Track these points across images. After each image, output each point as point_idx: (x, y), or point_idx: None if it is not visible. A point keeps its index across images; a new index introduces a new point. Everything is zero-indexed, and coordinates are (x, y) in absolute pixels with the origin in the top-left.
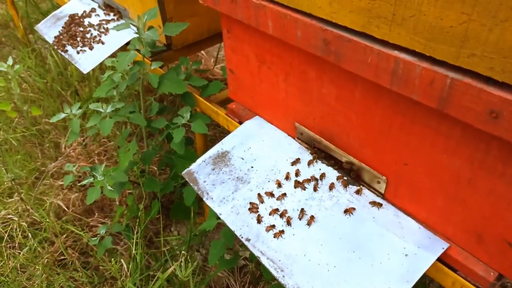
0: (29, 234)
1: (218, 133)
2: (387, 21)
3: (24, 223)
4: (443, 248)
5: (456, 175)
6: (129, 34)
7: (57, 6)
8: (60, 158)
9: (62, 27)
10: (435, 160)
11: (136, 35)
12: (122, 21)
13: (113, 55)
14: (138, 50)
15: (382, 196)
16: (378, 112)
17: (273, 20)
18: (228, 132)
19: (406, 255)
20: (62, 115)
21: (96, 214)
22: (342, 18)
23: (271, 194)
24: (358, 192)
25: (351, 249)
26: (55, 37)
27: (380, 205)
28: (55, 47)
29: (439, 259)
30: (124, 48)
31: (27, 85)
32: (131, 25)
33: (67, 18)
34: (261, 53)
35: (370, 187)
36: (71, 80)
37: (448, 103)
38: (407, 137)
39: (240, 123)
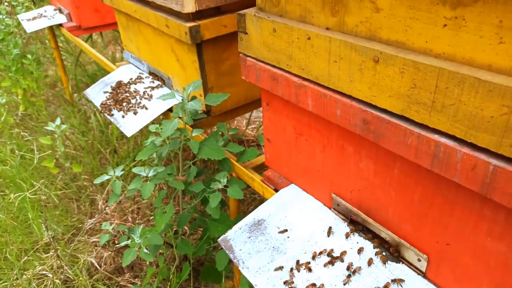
0: None
1: (248, 193)
2: (427, 107)
3: (57, 280)
4: None
5: (502, 261)
6: (171, 101)
7: (103, 69)
8: (96, 216)
9: (109, 92)
10: (479, 243)
11: (179, 102)
12: (165, 88)
13: (153, 121)
14: (179, 117)
15: (424, 274)
16: (418, 190)
17: (313, 99)
18: (261, 197)
19: None
20: (106, 177)
21: (127, 273)
22: (381, 102)
23: (308, 267)
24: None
25: None
26: (102, 102)
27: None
28: (102, 112)
29: None
30: (165, 113)
31: (69, 142)
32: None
33: (114, 84)
34: (299, 126)
35: (411, 265)
36: (111, 139)
37: (492, 189)
38: (449, 218)
39: (276, 190)
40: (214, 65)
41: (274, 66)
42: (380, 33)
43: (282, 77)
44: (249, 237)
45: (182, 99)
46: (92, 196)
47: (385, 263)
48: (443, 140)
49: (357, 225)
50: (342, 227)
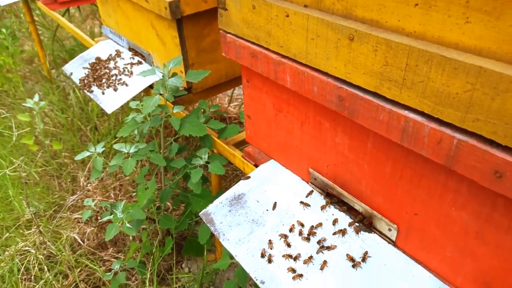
0: (45, 267)
1: (230, 170)
2: (398, 84)
3: (41, 256)
4: None
5: (464, 228)
6: (151, 77)
7: (81, 44)
8: (78, 192)
9: (88, 68)
10: (444, 212)
11: (159, 79)
12: (146, 65)
13: (134, 97)
14: (160, 94)
15: (394, 243)
16: (389, 163)
17: (291, 76)
18: (242, 173)
19: None
20: (87, 154)
21: (110, 248)
22: (356, 79)
23: (285, 238)
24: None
25: None
26: (81, 78)
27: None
28: (81, 88)
29: None
30: (146, 90)
31: (48, 119)
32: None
33: (93, 60)
34: (278, 102)
35: (382, 234)
36: (91, 116)
37: (455, 161)
38: (417, 189)
39: (256, 166)
40: (195, 41)
41: (253, 43)
42: (356, 11)
43: (261, 54)
44: (230, 211)
45: (162, 76)
46: (73, 173)
47: (358, 233)
48: (412, 115)
49: (332, 198)
50: (319, 199)
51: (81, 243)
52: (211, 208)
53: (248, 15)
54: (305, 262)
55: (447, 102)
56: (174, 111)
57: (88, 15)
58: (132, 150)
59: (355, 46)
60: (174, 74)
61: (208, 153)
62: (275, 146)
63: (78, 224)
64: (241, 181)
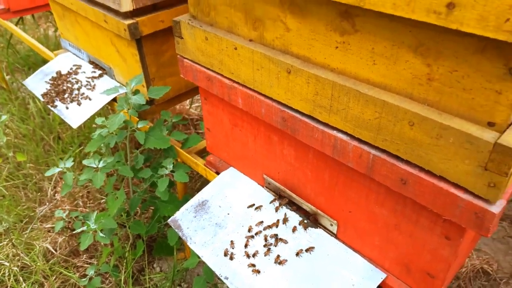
0: (20, 278)
1: (195, 171)
2: (327, 110)
3: (15, 268)
4: (381, 278)
5: (386, 222)
6: (114, 91)
7: (33, 51)
8: (46, 202)
9: (50, 83)
10: (370, 210)
11: (122, 95)
12: (107, 78)
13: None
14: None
15: (335, 236)
16: (327, 171)
17: (242, 99)
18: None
19: (353, 285)
20: (57, 169)
21: (84, 255)
22: (295, 104)
23: (244, 237)
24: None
25: (311, 284)
26: (44, 93)
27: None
28: (45, 103)
29: (379, 287)
30: (109, 102)
31: (10, 131)
32: (115, 81)
33: (54, 74)
34: (233, 118)
35: (326, 229)
36: (53, 125)
37: (373, 171)
38: (349, 192)
39: (217, 173)
40: (154, 57)
41: (208, 69)
42: (291, 48)
43: (216, 79)
44: (195, 216)
45: (126, 94)
46: (39, 184)
47: (306, 229)
48: (339, 135)
49: (284, 200)
50: (274, 202)
51: (54, 252)
52: (178, 215)
53: (202, 45)
54: (265, 254)
55: (363, 126)
56: (139, 126)
57: (40, 17)
58: (101, 165)
59: (292, 78)
60: (137, 91)
61: (173, 162)
62: (233, 155)
63: (49, 233)
64: (204, 188)
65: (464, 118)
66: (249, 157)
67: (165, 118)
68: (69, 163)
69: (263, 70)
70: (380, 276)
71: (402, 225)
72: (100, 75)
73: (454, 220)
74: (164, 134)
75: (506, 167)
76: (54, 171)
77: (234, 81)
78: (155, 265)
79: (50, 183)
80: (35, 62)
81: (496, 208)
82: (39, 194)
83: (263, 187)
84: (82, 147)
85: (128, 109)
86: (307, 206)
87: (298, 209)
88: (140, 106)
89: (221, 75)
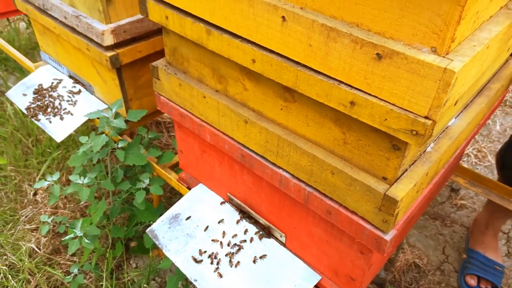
0: (9, 276)
1: None
2: (274, 154)
3: (4, 267)
4: (317, 280)
5: (320, 238)
6: (95, 106)
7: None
8: (30, 206)
9: (32, 97)
10: (309, 228)
11: (104, 117)
12: (87, 93)
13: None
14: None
15: (284, 245)
16: (277, 195)
17: (210, 135)
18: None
19: (295, 285)
20: (45, 183)
21: (67, 255)
22: (251, 146)
23: (210, 246)
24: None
25: (264, 284)
26: (27, 107)
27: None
28: (29, 117)
29: (316, 286)
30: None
31: None
32: (95, 97)
33: (36, 87)
34: (202, 146)
35: (277, 240)
36: (31, 127)
37: (308, 203)
38: (293, 213)
39: (189, 188)
40: (132, 81)
41: (181, 107)
42: (249, 103)
43: (188, 116)
44: (169, 227)
45: (107, 118)
46: (18, 184)
47: (261, 239)
48: (284, 174)
49: (245, 214)
50: (235, 215)
51: (38, 251)
52: (155, 226)
53: (176, 89)
54: (228, 260)
55: (301, 169)
56: (119, 146)
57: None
58: (86, 181)
59: (248, 127)
60: (117, 115)
61: (149, 176)
62: (202, 174)
63: (33, 233)
64: (177, 202)
65: (367, 173)
66: (216, 178)
67: (141, 133)
68: (56, 176)
69: (226, 117)
70: (316, 278)
71: (331, 241)
72: (81, 91)
73: (363, 243)
74: (141, 151)
75: (392, 210)
76: (42, 184)
77: (203, 121)
78: (131, 262)
79: (30, 184)
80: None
81: (389, 236)
82: (19, 195)
83: (227, 202)
84: (60, 151)
85: (110, 130)
86: (262, 221)
87: (255, 222)
88: (120, 129)
89: (192, 114)
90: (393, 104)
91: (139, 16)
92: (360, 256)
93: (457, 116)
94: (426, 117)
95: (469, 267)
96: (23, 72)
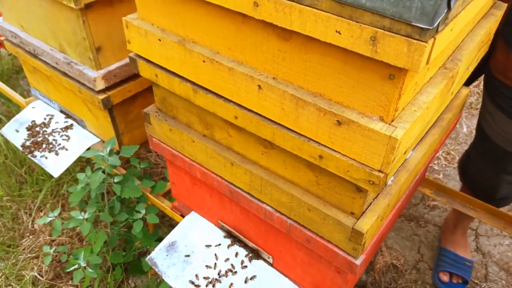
0: None
1: None
2: (258, 191)
3: None
4: None
5: (303, 260)
6: (88, 140)
7: None
8: (29, 235)
9: (27, 133)
10: (293, 251)
11: (99, 155)
12: (79, 128)
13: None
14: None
15: (272, 265)
16: (263, 224)
17: (200, 173)
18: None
19: None
20: (48, 219)
21: (69, 281)
22: (238, 184)
23: (205, 270)
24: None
25: None
26: (22, 144)
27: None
28: (25, 153)
29: None
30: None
31: None
32: (87, 131)
33: (29, 123)
34: (193, 180)
35: (266, 261)
36: (24, 156)
37: (290, 232)
38: (279, 239)
39: (182, 215)
40: (123, 117)
41: (172, 148)
42: (234, 147)
43: (179, 156)
44: (167, 255)
45: (103, 156)
46: (15, 214)
47: (251, 261)
48: (268, 208)
49: (235, 239)
50: (226, 240)
51: (40, 278)
52: (153, 254)
53: (167, 132)
54: (222, 282)
55: (282, 205)
56: (115, 180)
57: None
58: (86, 216)
59: (234, 168)
60: (111, 152)
61: (145, 206)
62: (194, 203)
63: (34, 262)
64: (173, 231)
65: (338, 209)
66: (207, 207)
67: (134, 164)
68: (57, 212)
69: (214, 159)
70: None
71: (312, 263)
72: (73, 125)
73: (338, 266)
74: (136, 183)
75: (360, 240)
76: (45, 220)
77: (193, 161)
78: (130, 281)
79: (26, 212)
80: None
81: (359, 261)
82: (16, 223)
83: (218, 228)
84: (53, 179)
85: (106, 167)
86: (251, 244)
87: (245, 245)
88: (115, 166)
89: (183, 154)
90: (353, 159)
91: (127, 60)
92: (337, 275)
93: (414, 148)
94: (379, 171)
95: (441, 265)
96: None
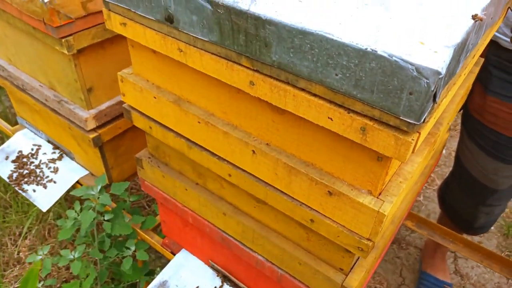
0: None
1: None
2: (250, 241)
3: None
4: None
5: None
6: (77, 173)
7: None
8: (16, 265)
9: (14, 166)
10: None
11: (90, 194)
12: (68, 159)
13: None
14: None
15: None
16: (253, 270)
17: (192, 219)
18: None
19: None
20: (38, 257)
21: None
22: (230, 232)
23: None
24: None
25: None
26: (9, 176)
27: None
28: (13, 185)
29: None
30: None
31: None
32: (76, 162)
33: (16, 153)
34: (184, 222)
35: None
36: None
37: (281, 281)
38: (270, 284)
39: (173, 253)
40: (113, 152)
41: (165, 193)
42: (227, 198)
43: (171, 202)
44: None
45: (93, 195)
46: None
47: None
48: (259, 257)
49: (226, 278)
50: (217, 280)
51: None
52: None
53: (160, 178)
54: None
55: (273, 256)
56: (106, 218)
57: None
58: (77, 255)
59: (227, 218)
60: (102, 191)
61: (134, 241)
62: (185, 242)
63: None
64: (164, 270)
65: (328, 264)
66: (198, 246)
67: (123, 197)
68: (46, 249)
69: (207, 208)
70: None
71: None
72: (61, 157)
73: None
74: (126, 220)
75: None
76: (35, 258)
77: (185, 206)
78: None
79: (11, 239)
80: None
81: None
82: (1, 252)
83: (209, 267)
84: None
85: (96, 204)
86: (242, 286)
87: (234, 285)
88: (105, 205)
89: (175, 200)
90: (343, 226)
91: (118, 98)
92: None
93: None
94: (368, 239)
95: None
96: None
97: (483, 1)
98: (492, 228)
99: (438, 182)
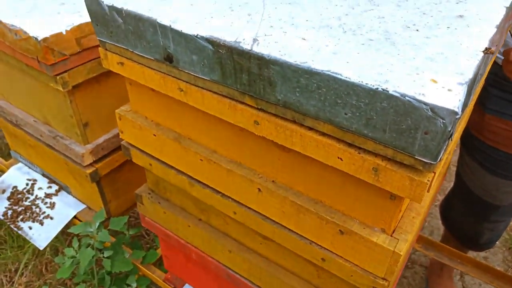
0: None
1: None
2: (258, 279)
3: None
4: None
5: None
6: (74, 208)
7: None
8: None
9: (8, 203)
10: None
11: (88, 231)
12: (65, 194)
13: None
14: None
15: None
16: None
17: (195, 255)
18: None
19: None
20: None
21: None
22: (236, 269)
23: None
24: None
25: None
26: (4, 213)
27: None
28: (8, 223)
29: None
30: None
31: None
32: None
33: (10, 189)
34: (187, 258)
35: None
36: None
37: None
38: None
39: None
40: (110, 186)
41: (166, 229)
42: (231, 234)
43: (173, 238)
44: None
45: (91, 232)
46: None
47: None
48: None
49: None
50: None
51: None
52: None
53: (161, 214)
54: None
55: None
56: (105, 256)
57: None
58: None
59: (232, 255)
60: (100, 227)
61: (135, 277)
62: (188, 277)
63: None
64: None
65: None
66: (202, 282)
67: (122, 230)
68: None
69: (211, 245)
70: None
71: None
72: (57, 191)
73: None
74: (126, 255)
75: None
76: None
77: (188, 243)
78: None
79: (6, 275)
80: None
81: None
82: None
83: None
84: None
85: (95, 241)
86: None
87: None
88: (104, 242)
89: (178, 236)
90: (356, 265)
91: (115, 131)
92: None
93: None
94: (383, 278)
95: None
96: None
97: (486, 31)
98: (497, 242)
99: (440, 197)
